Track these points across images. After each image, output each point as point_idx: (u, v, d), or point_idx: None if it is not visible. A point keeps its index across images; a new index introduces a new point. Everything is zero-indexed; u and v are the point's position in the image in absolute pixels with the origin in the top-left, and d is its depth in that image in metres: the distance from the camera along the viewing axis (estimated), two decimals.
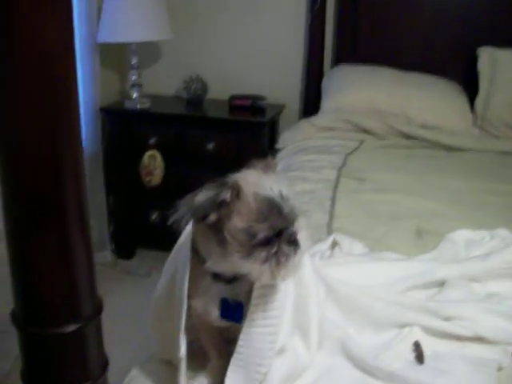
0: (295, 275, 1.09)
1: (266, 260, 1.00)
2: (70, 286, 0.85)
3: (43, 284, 0.86)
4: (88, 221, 0.86)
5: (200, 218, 1.01)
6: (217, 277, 1.10)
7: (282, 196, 1.01)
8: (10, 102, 0.74)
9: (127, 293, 3.10)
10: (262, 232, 1.00)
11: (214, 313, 1.12)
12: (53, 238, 0.83)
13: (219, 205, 0.99)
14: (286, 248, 1.01)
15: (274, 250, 1.00)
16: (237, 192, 1.01)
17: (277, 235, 1.01)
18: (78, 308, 0.88)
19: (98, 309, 0.91)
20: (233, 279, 1.09)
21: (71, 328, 0.87)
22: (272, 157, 1.13)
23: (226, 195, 0.99)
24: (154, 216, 3.41)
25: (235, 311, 1.11)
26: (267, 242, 1.00)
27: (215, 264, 1.06)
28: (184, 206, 1.00)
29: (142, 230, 3.57)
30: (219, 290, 1.11)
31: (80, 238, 0.85)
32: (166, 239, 1.28)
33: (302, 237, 1.04)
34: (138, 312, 2.15)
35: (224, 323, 1.14)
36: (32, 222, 0.81)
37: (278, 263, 1.00)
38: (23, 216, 0.81)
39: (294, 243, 1.02)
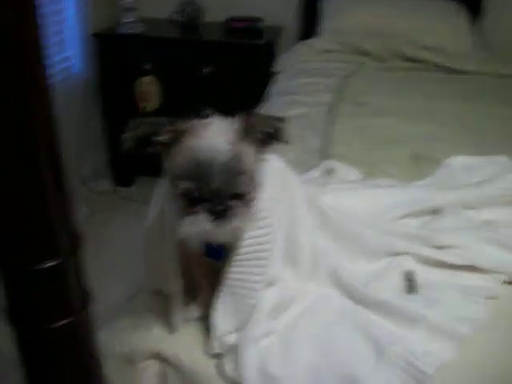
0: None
1: (187, 218, 0.98)
2: (44, 223, 0.83)
3: (17, 223, 0.83)
4: (60, 156, 0.82)
5: (137, 149, 1.03)
6: None
7: (221, 171, 0.96)
8: None
9: (127, 220, 3.11)
10: (181, 185, 0.97)
11: (199, 249, 1.11)
12: (24, 175, 0.80)
13: (154, 143, 1.00)
14: (203, 216, 0.97)
15: (193, 211, 0.98)
16: (175, 137, 0.99)
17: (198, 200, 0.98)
18: (55, 244, 0.86)
19: (76, 244, 0.89)
20: None
21: (48, 263, 0.85)
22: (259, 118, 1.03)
23: (163, 136, 0.99)
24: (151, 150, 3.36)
25: (216, 249, 1.09)
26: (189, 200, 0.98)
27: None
28: (129, 131, 1.02)
29: (140, 157, 3.54)
30: None
31: (53, 175, 0.82)
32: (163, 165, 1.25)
33: (237, 213, 0.98)
34: (138, 239, 2.16)
35: (210, 259, 1.13)
36: (1, 162, 0.78)
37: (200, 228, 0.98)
38: None
39: (218, 213, 0.97)
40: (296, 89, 2.52)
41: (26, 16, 0.73)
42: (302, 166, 1.74)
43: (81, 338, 0.95)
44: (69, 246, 0.88)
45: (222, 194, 0.97)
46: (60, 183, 0.83)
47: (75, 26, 3.15)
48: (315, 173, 1.66)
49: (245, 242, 1.07)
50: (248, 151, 1.00)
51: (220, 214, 0.97)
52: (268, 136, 1.02)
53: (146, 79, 3.24)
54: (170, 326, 1.18)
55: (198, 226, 0.97)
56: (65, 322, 0.90)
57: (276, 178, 1.13)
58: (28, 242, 0.83)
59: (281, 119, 1.03)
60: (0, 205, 0.81)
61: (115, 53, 3.33)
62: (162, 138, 0.99)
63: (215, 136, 0.99)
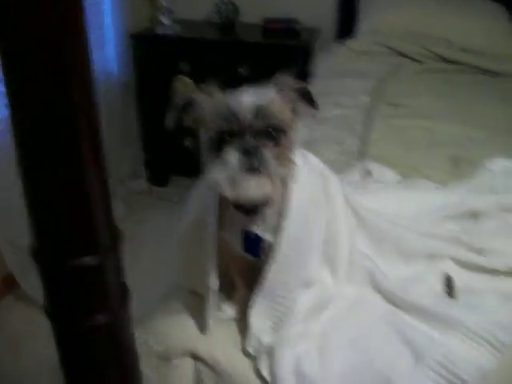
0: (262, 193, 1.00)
1: (217, 168, 0.96)
2: (85, 219, 0.83)
3: (60, 220, 0.84)
4: (102, 153, 0.83)
5: (180, 115, 1.03)
6: (237, 207, 1.07)
7: (252, 106, 0.97)
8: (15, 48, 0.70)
9: (161, 219, 3.13)
10: (211, 131, 0.98)
11: (238, 245, 1.10)
12: (68, 172, 0.81)
13: (193, 103, 1.02)
14: (234, 156, 0.95)
15: (224, 155, 0.96)
16: (210, 95, 1.02)
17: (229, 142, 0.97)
18: (95, 240, 0.86)
19: (116, 241, 0.90)
20: (252, 210, 1.07)
21: (89, 260, 0.85)
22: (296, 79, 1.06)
23: (198, 95, 1.02)
24: (187, 142, 3.38)
25: (254, 245, 1.09)
26: (221, 148, 0.97)
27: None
28: (169, 109, 1.04)
29: (176, 158, 3.56)
30: (241, 222, 1.09)
31: (95, 172, 0.83)
32: (199, 166, 1.25)
33: (270, 156, 0.96)
34: (172, 238, 2.17)
35: (248, 256, 1.12)
36: (47, 160, 0.80)
37: (232, 177, 0.96)
38: (37, 155, 0.79)
39: (248, 153, 0.95)
40: (333, 90, 2.50)
41: (74, 18, 0.74)
42: (339, 166, 1.72)
43: (119, 335, 0.95)
44: (109, 243, 0.88)
45: (252, 128, 0.97)
46: (101, 180, 0.84)
47: (113, 26, 3.18)
48: (352, 174, 1.65)
49: (283, 241, 1.06)
50: (282, 105, 1.02)
51: (251, 153, 0.95)
52: (302, 98, 1.05)
53: (183, 79, 3.26)
54: (203, 325, 1.17)
55: (229, 168, 0.96)
56: (103, 318, 0.91)
57: (315, 177, 1.13)
58: (69, 238, 0.84)
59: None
60: (42, 201, 0.82)
61: (152, 53, 3.36)
62: (198, 96, 1.02)
63: (248, 88, 1.02)
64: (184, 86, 3.23)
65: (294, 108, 1.04)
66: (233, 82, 1.05)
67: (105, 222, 0.87)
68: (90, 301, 0.89)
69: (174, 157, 3.56)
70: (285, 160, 0.99)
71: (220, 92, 1.03)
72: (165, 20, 3.33)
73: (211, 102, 1.01)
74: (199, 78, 3.17)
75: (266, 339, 1.10)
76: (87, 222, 0.84)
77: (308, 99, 1.05)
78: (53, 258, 0.85)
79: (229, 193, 0.97)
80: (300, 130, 1.06)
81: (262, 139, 0.97)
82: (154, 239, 2.99)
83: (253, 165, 0.95)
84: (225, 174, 0.96)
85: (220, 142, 0.97)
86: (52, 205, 0.82)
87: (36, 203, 0.82)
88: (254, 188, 0.96)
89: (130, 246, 2.90)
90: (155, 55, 3.36)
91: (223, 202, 1.08)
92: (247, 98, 0.98)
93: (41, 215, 0.83)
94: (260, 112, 0.97)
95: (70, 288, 0.87)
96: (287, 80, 1.04)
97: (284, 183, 1.03)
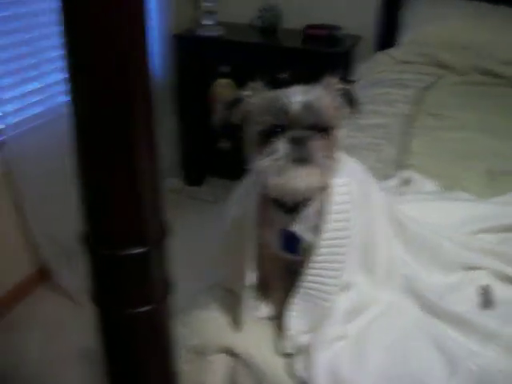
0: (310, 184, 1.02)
1: (266, 157, 0.99)
2: (137, 211, 0.86)
3: (112, 210, 0.87)
4: (157, 150, 0.85)
5: (229, 112, 1.07)
6: (278, 205, 1.09)
7: (301, 102, 1.00)
8: (78, 38, 0.73)
9: (195, 218, 3.16)
10: (261, 125, 1.00)
11: (277, 244, 1.12)
12: (122, 166, 0.83)
13: (241, 100, 1.06)
14: (283, 146, 0.98)
15: (273, 146, 0.98)
16: (257, 91, 1.06)
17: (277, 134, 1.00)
18: (144, 232, 0.89)
19: (163, 234, 0.92)
20: (293, 208, 1.08)
21: (137, 250, 0.87)
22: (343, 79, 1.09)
23: (246, 92, 1.06)
24: (223, 143, 3.41)
25: (292, 242, 1.10)
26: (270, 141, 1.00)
27: (263, 180, 1.06)
28: (219, 107, 1.08)
29: (211, 158, 3.59)
30: (281, 221, 1.10)
31: (149, 167, 0.85)
32: (234, 168, 1.28)
33: (317, 147, 0.99)
34: (205, 237, 2.19)
35: (286, 254, 1.13)
36: (103, 153, 0.82)
37: (280, 166, 0.98)
38: (94, 147, 0.82)
39: (297, 143, 0.98)
40: (373, 98, 2.50)
41: (135, 16, 0.77)
42: (377, 174, 1.73)
43: (160, 326, 0.97)
44: (156, 236, 0.90)
45: (301, 122, 1.00)
46: (153, 174, 0.86)
47: (157, 26, 3.22)
48: (392, 182, 1.65)
49: (323, 243, 1.08)
50: (328, 103, 1.05)
51: (300, 143, 0.98)
52: (346, 100, 1.09)
53: (223, 82, 3.28)
54: (237, 323, 1.19)
55: (278, 157, 0.98)
56: (147, 308, 0.93)
57: (355, 181, 1.14)
58: (119, 228, 0.86)
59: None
60: (97, 191, 0.85)
61: (194, 54, 3.40)
62: (247, 92, 1.06)
63: (296, 87, 1.05)
64: (222, 88, 3.26)
65: (338, 107, 1.08)
66: (272, 87, 1.08)
67: (154, 216, 0.89)
68: (134, 290, 0.91)
69: (209, 157, 3.59)
70: (332, 153, 1.02)
71: (266, 90, 1.06)
72: (207, 22, 3.36)
73: (260, 98, 1.04)
74: (239, 81, 3.21)
75: (303, 340, 1.11)
76: (137, 214, 0.86)
77: (351, 100, 1.09)
78: (103, 246, 0.87)
79: (276, 181, 1.00)
80: (343, 131, 1.08)
81: (312, 132, 1.00)
82: (187, 238, 3.02)
83: (301, 154, 0.98)
84: (274, 162, 0.98)
85: (269, 135, 1.00)
86: (105, 195, 0.84)
87: (90, 193, 0.85)
88: (301, 177, 0.99)
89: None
90: (197, 56, 3.40)
91: (264, 201, 1.10)
92: (296, 95, 1.01)
93: (94, 204, 0.86)
94: (308, 107, 1.00)
95: (116, 276, 0.90)
96: (334, 81, 1.08)
97: (326, 183, 1.05)
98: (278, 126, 1.00)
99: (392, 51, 3.02)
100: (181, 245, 2.94)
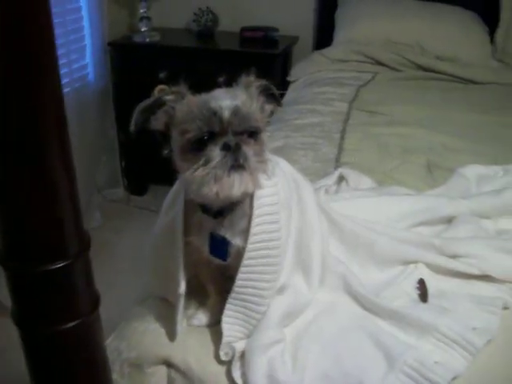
0: (247, 190, 1.00)
1: (200, 166, 0.96)
2: (54, 223, 0.83)
3: (27, 223, 0.83)
4: (71, 159, 0.82)
5: (146, 117, 1.03)
6: (205, 210, 1.07)
7: (231, 107, 0.98)
8: None
9: (140, 229, 3.11)
10: (190, 132, 0.98)
11: (206, 249, 1.10)
12: (35, 176, 0.80)
13: (162, 104, 1.02)
14: (217, 153, 0.96)
15: (205, 154, 0.97)
16: (181, 96, 1.02)
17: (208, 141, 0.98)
18: (63, 245, 0.85)
19: (85, 245, 0.89)
20: (220, 213, 1.07)
21: (57, 265, 0.84)
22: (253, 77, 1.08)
23: (169, 96, 1.02)
24: (166, 151, 3.36)
25: (221, 247, 1.08)
26: (201, 148, 0.98)
27: (187, 188, 1.05)
28: (136, 110, 1.03)
29: (154, 167, 3.54)
30: (209, 226, 1.08)
31: (64, 177, 0.82)
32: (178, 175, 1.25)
33: (250, 152, 0.98)
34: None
35: (216, 260, 1.11)
36: (15, 165, 0.79)
37: (215, 174, 0.96)
38: (3, 160, 0.78)
39: (230, 149, 0.97)
40: (310, 98, 2.52)
41: (39, 19, 0.73)
42: (315, 173, 1.73)
43: (89, 341, 0.94)
44: (78, 248, 0.87)
45: (233, 128, 0.98)
46: (70, 185, 0.83)
47: (91, 34, 3.17)
48: (328, 180, 1.65)
49: (252, 246, 1.06)
50: (253, 104, 1.03)
51: (234, 150, 0.97)
52: (266, 96, 1.08)
53: (161, 88, 3.24)
54: (174, 333, 1.16)
55: (214, 166, 0.96)
56: (73, 324, 0.90)
57: (286, 182, 1.13)
58: (37, 243, 0.83)
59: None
60: (11, 206, 0.82)
61: (131, 62, 3.36)
62: (168, 97, 1.03)
63: (219, 90, 1.04)
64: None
65: (262, 107, 1.07)
66: (196, 90, 1.06)
67: (73, 228, 0.86)
68: (58, 306, 0.88)
69: (152, 165, 3.54)
70: (263, 157, 1.01)
71: (190, 94, 1.03)
72: (143, 28, 3.32)
73: (186, 103, 1.01)
74: (179, 85, 3.17)
75: (239, 346, 1.10)
76: (55, 227, 0.83)
77: (271, 96, 1.08)
78: (21, 264, 0.84)
79: (212, 190, 0.97)
80: (268, 131, 1.08)
81: (243, 137, 0.99)
82: (131, 248, 2.98)
83: (236, 161, 0.96)
84: (208, 171, 0.96)
85: (199, 143, 0.98)
86: (20, 210, 0.81)
87: (3, 208, 0.82)
88: (237, 185, 0.97)
89: (107, 255, 2.89)
90: (133, 63, 3.36)
91: (191, 207, 1.07)
92: (224, 100, 0.99)
93: (8, 220, 0.82)
94: (238, 112, 0.98)
95: (38, 294, 0.86)
96: (251, 79, 1.06)
97: (259, 187, 1.04)
98: (210, 133, 0.98)
99: (327, 51, 3.05)
100: (124, 255, 2.91)
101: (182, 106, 1.02)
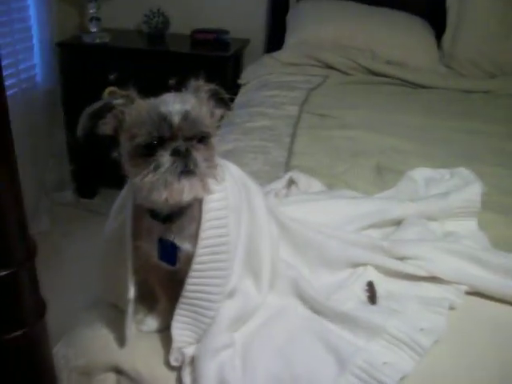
0: (198, 195, 1.01)
1: (149, 172, 0.96)
2: None
3: None
4: (14, 162, 0.81)
5: (94, 121, 1.01)
6: (154, 215, 1.06)
7: (181, 112, 0.97)
8: None
9: (89, 232, 3.06)
10: (140, 137, 0.97)
11: (155, 254, 1.09)
12: None
13: (110, 108, 1.01)
14: (167, 159, 0.96)
15: (155, 159, 0.96)
16: (130, 100, 1.01)
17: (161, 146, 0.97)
18: (8, 252, 0.84)
19: (31, 253, 0.87)
20: (168, 218, 1.06)
21: (1, 273, 0.82)
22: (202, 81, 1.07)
23: (118, 100, 1.01)
24: (116, 154, 3.32)
25: (170, 252, 1.07)
26: (151, 153, 0.97)
27: (136, 193, 1.04)
28: (83, 115, 1.02)
29: (104, 169, 3.50)
30: (158, 231, 1.08)
31: (7, 182, 0.80)
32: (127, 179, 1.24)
33: (200, 158, 0.98)
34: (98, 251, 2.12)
35: (166, 265, 1.11)
36: None
37: (165, 180, 0.96)
38: None
39: (180, 155, 0.96)
40: (261, 101, 2.52)
41: None
42: (265, 177, 1.74)
43: (35, 350, 0.92)
44: (23, 256, 0.86)
45: (183, 133, 0.98)
46: (15, 191, 0.81)
47: (40, 34, 3.11)
48: (278, 184, 1.65)
49: (201, 251, 1.05)
50: (203, 109, 1.03)
51: (184, 155, 0.96)
52: (216, 100, 1.08)
53: (111, 90, 3.20)
54: (123, 339, 1.15)
55: (164, 171, 0.96)
56: (19, 332, 0.88)
57: (236, 187, 1.13)
58: None
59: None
60: None
61: (80, 63, 3.31)
62: (117, 101, 1.01)
63: (168, 95, 1.02)
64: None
65: (212, 111, 1.07)
66: (161, 93, 1.05)
67: (18, 234, 0.84)
68: (4, 314, 0.86)
69: (102, 168, 3.50)
70: (213, 162, 1.01)
71: (140, 97, 1.02)
72: (93, 28, 3.28)
73: (135, 108, 1.00)
74: (128, 89, 3.14)
75: (190, 350, 1.09)
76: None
77: (221, 100, 1.09)
78: None
79: (162, 196, 0.97)
80: (218, 135, 1.08)
81: (192, 143, 0.98)
82: (81, 252, 2.93)
83: (186, 167, 0.96)
84: (160, 176, 0.96)
85: (149, 148, 0.97)
86: None
87: None
88: (187, 190, 0.97)
89: (56, 260, 2.84)
90: (83, 64, 3.30)
91: (139, 211, 1.06)
92: (174, 104, 0.98)
93: None
94: (188, 117, 0.98)
95: None
96: (200, 84, 1.06)
97: (209, 193, 1.04)
98: (159, 138, 0.97)
99: (278, 54, 3.06)
100: (73, 259, 2.87)
101: (131, 110, 1.00)
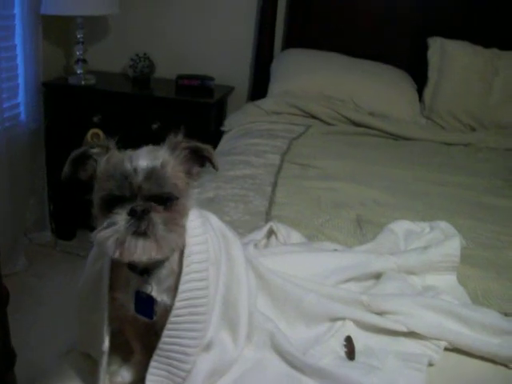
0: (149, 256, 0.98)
1: (103, 228, 0.95)
2: None
3: None
4: None
5: (75, 167, 1.03)
6: (131, 267, 1.05)
7: (145, 171, 0.96)
8: None
9: (65, 274, 3.03)
10: (103, 191, 0.97)
11: (132, 307, 1.07)
12: None
13: (88, 156, 1.02)
14: (122, 218, 0.95)
15: (111, 216, 0.95)
16: (106, 150, 1.01)
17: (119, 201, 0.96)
18: None
19: (2, 302, 0.85)
20: (145, 270, 1.05)
21: None
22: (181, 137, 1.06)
23: (94, 149, 1.01)
24: (90, 199, 3.31)
25: (147, 306, 1.06)
26: (110, 209, 0.96)
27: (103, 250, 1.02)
28: (68, 160, 1.03)
29: (83, 211, 3.47)
30: (135, 283, 1.06)
31: None
32: None
33: (159, 220, 0.96)
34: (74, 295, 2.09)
35: (142, 317, 1.08)
36: None
37: (116, 238, 0.95)
38: None
39: (136, 215, 0.95)
40: (243, 149, 2.53)
41: None
42: (245, 227, 1.73)
43: None
44: None
45: (143, 193, 0.96)
46: None
47: (25, 73, 3.12)
48: (258, 235, 1.64)
49: (179, 304, 1.04)
50: (175, 167, 1.01)
51: (140, 216, 0.95)
52: (196, 158, 1.05)
53: (95, 132, 3.21)
54: None
55: (117, 230, 0.95)
56: None
57: (214, 237, 1.11)
58: None
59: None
60: None
61: (65, 103, 3.32)
62: (94, 150, 1.01)
63: (142, 149, 1.01)
64: (94, 139, 3.19)
65: (188, 169, 1.05)
66: (145, 137, 1.04)
67: None
68: None
69: (81, 210, 3.47)
70: (175, 225, 0.99)
71: (115, 149, 1.02)
72: (78, 70, 3.30)
73: (106, 161, 1.00)
74: (111, 131, 3.14)
75: None
76: None
77: (203, 157, 1.06)
78: None
79: (114, 254, 0.96)
80: (194, 193, 1.06)
81: (153, 203, 0.97)
82: (55, 295, 2.88)
83: (140, 228, 0.95)
84: (112, 234, 0.95)
85: (110, 202, 0.97)
86: None
87: None
88: (139, 251, 0.96)
89: (30, 301, 2.78)
90: (67, 105, 3.32)
91: (117, 261, 1.05)
92: (140, 161, 0.97)
93: None
94: (152, 176, 0.96)
95: None
96: (178, 141, 1.04)
97: (177, 246, 1.02)
98: (119, 196, 0.96)
99: (261, 102, 3.09)
100: (47, 301, 2.81)
101: (103, 162, 1.00)
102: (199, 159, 1.06)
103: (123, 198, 0.96)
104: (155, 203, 0.97)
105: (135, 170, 0.96)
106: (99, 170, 1.00)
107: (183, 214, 1.02)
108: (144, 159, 0.97)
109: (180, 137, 1.04)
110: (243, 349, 1.17)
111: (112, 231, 0.95)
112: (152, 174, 0.96)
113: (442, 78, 3.15)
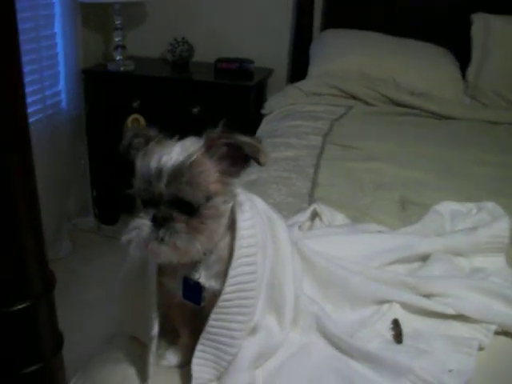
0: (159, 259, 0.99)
1: (131, 229, 0.96)
2: (14, 262, 0.79)
3: None
4: (36, 195, 0.79)
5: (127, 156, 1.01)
6: None
7: (172, 172, 0.92)
8: None
9: (110, 259, 3.05)
10: (135, 188, 0.98)
11: (179, 293, 1.07)
12: None
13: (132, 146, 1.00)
14: (145, 223, 0.95)
15: (136, 220, 0.96)
16: (146, 141, 0.99)
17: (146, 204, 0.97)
18: (26, 285, 0.82)
19: (49, 286, 0.85)
20: None
21: (19, 306, 0.81)
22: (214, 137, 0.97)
23: (137, 140, 1.00)
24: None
25: (195, 292, 1.05)
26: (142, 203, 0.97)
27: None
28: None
29: (126, 196, 3.50)
30: (183, 269, 1.05)
31: (27, 215, 0.79)
32: None
33: (180, 227, 0.94)
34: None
35: (189, 303, 1.08)
36: None
37: (140, 241, 0.95)
38: None
39: (158, 222, 0.94)
40: (284, 131, 2.51)
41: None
42: (288, 209, 1.71)
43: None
44: (41, 289, 0.84)
45: (164, 199, 0.94)
46: (35, 224, 0.80)
47: (65, 61, 3.15)
48: (302, 217, 1.62)
49: (228, 288, 1.03)
50: (209, 167, 0.96)
51: (161, 223, 0.94)
52: (238, 154, 0.96)
53: (135, 117, 3.23)
54: (144, 374, 1.12)
55: (139, 234, 0.95)
56: (35, 367, 0.86)
57: (260, 220, 1.10)
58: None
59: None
60: None
61: (104, 89, 3.34)
62: (137, 140, 1.00)
63: (175, 145, 0.97)
64: (137, 123, 3.20)
65: (226, 168, 0.98)
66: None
67: (36, 267, 0.83)
68: (21, 349, 0.84)
69: (123, 194, 3.50)
70: (199, 232, 0.96)
71: (156, 139, 0.99)
72: (118, 56, 3.31)
73: (142, 155, 0.97)
74: (151, 116, 3.16)
75: None
76: (16, 265, 0.80)
77: (245, 154, 0.96)
78: None
79: (143, 253, 0.98)
80: (233, 192, 1.02)
81: (175, 211, 0.95)
82: (100, 279, 2.91)
83: (160, 236, 0.94)
84: (135, 236, 0.96)
85: (141, 200, 0.97)
86: None
87: None
88: (163, 256, 0.97)
89: (75, 286, 2.82)
90: (107, 91, 3.34)
91: None
92: (168, 161, 0.93)
93: None
94: (177, 179, 0.93)
95: None
96: (214, 138, 0.97)
97: (192, 258, 1.00)
98: (143, 200, 0.97)
99: (301, 84, 3.06)
100: (93, 285, 2.85)
101: (140, 157, 0.98)
102: (242, 155, 0.97)
103: (148, 201, 0.96)
104: (180, 208, 0.94)
105: (160, 172, 0.92)
106: (136, 163, 0.98)
107: (215, 215, 0.98)
108: (173, 158, 0.93)
109: (218, 131, 0.97)
110: (289, 332, 1.16)
111: (135, 235, 0.95)
112: (177, 176, 0.92)
113: (486, 55, 3.06)
